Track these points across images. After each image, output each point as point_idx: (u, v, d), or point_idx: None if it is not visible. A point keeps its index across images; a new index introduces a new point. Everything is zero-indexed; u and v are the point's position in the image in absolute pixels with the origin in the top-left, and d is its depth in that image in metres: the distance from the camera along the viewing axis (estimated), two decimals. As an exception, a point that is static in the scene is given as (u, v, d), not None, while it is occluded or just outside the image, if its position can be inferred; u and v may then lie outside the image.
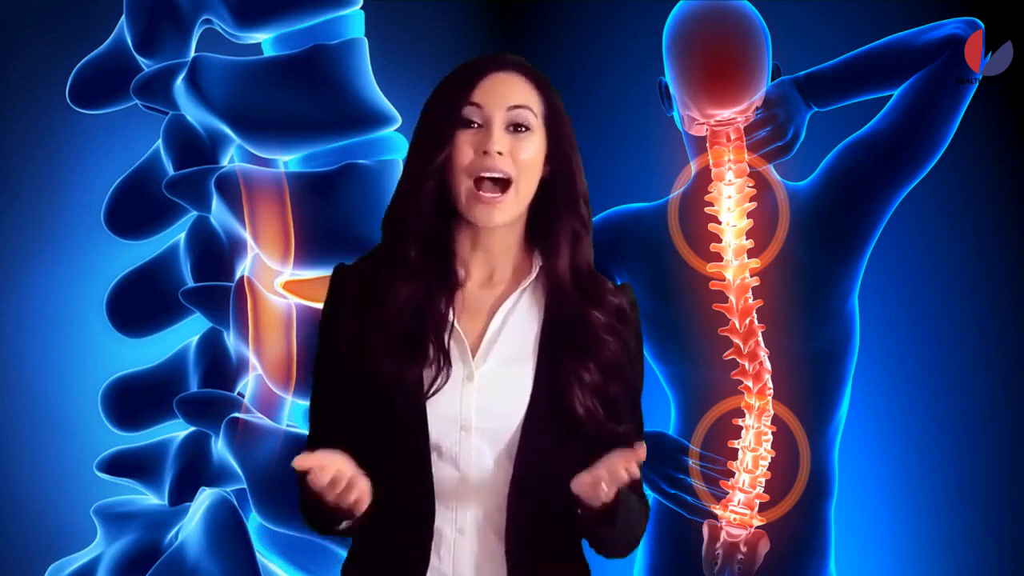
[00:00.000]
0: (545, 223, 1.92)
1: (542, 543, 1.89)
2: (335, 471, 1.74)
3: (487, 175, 1.85)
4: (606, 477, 1.73)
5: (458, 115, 1.86)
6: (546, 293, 1.93)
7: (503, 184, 1.86)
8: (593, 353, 1.89)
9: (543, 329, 1.91)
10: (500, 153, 1.84)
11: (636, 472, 1.74)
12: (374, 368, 1.85)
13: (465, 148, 1.85)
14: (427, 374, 1.86)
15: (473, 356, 1.88)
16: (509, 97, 1.86)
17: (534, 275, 1.93)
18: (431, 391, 1.85)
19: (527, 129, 1.87)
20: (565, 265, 1.91)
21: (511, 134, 1.86)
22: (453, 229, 1.92)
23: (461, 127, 1.86)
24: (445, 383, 1.85)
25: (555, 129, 1.90)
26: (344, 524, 1.86)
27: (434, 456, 1.86)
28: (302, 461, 1.72)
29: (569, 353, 1.88)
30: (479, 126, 1.86)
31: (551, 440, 1.88)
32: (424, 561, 1.87)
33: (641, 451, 1.73)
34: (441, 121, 1.86)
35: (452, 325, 1.88)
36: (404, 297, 1.87)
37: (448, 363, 1.86)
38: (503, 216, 1.86)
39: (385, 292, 1.87)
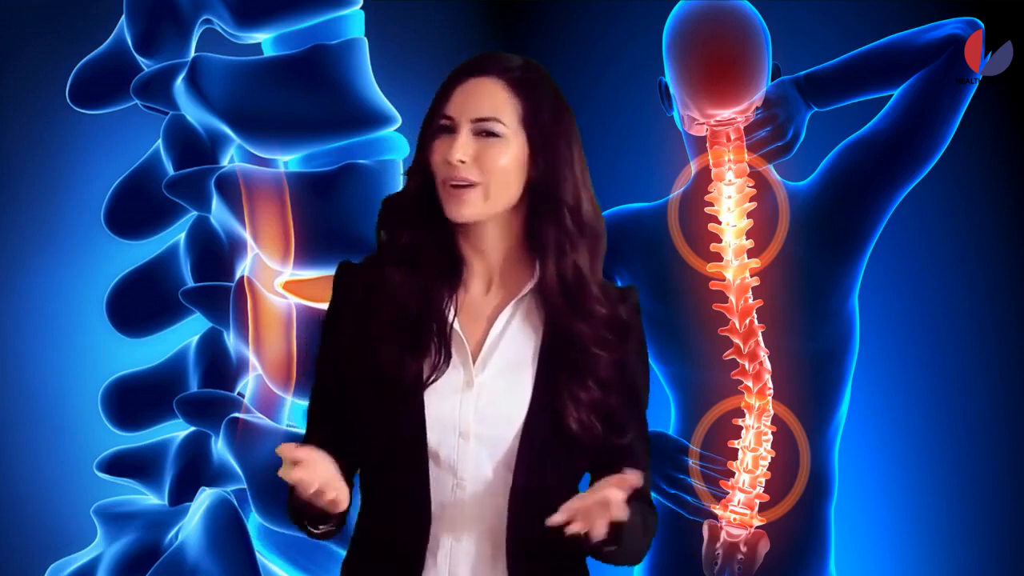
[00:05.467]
0: (536, 230, 1.92)
1: (541, 551, 1.87)
2: (317, 477, 1.75)
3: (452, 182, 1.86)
4: (596, 510, 1.72)
5: (436, 124, 1.88)
6: (542, 303, 1.93)
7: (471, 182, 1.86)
8: (588, 370, 1.87)
9: (543, 339, 1.91)
10: (463, 161, 1.84)
11: (620, 506, 1.72)
12: (375, 353, 1.85)
13: (436, 157, 1.87)
14: (427, 365, 1.86)
15: (473, 362, 1.89)
16: (475, 109, 1.86)
17: (532, 284, 1.92)
18: (431, 379, 1.85)
19: (495, 135, 1.86)
20: (552, 275, 1.89)
21: (480, 139, 1.86)
22: (453, 233, 1.92)
23: (439, 133, 1.88)
24: (447, 369, 1.85)
25: (538, 133, 1.88)
26: (322, 528, 1.89)
27: (432, 463, 1.86)
28: (290, 451, 1.73)
29: (564, 370, 1.87)
30: (451, 132, 1.87)
31: (550, 450, 1.87)
32: (420, 566, 1.86)
33: (633, 477, 1.73)
34: (424, 128, 1.90)
35: (452, 325, 1.89)
36: (406, 288, 1.88)
37: (448, 353, 1.86)
38: (471, 210, 1.85)
39: (388, 283, 1.88)
